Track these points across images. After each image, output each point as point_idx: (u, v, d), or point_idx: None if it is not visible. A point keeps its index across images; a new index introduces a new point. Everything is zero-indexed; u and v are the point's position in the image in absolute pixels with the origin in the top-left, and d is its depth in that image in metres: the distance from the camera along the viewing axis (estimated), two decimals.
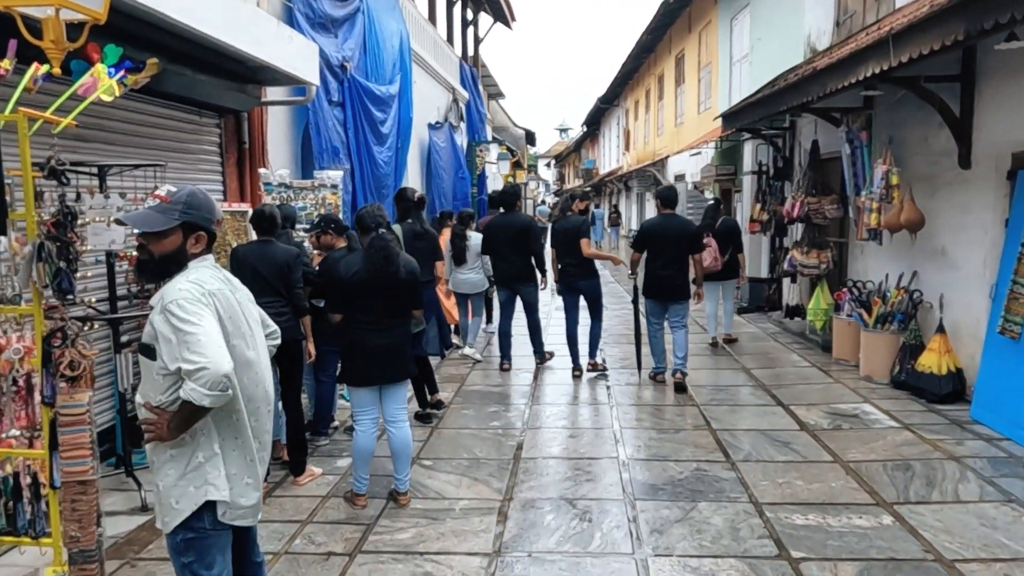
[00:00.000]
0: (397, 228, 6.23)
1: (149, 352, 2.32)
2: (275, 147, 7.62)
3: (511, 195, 7.84)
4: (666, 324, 7.11)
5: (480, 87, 19.97)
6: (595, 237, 22.45)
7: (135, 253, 2.48)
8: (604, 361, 7.74)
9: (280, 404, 5.00)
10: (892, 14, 7.35)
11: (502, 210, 7.73)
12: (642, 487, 4.59)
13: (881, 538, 3.82)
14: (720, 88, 15.18)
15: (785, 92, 7.62)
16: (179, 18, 4.46)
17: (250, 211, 5.62)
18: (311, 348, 5.02)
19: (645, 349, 7.30)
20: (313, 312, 5.05)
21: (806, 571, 3.51)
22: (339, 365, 4.83)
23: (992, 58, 5.75)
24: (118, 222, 2.69)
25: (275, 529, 4.09)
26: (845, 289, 7.83)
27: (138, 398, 2.41)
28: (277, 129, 7.74)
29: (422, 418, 5.99)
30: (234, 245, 5.24)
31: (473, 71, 18.76)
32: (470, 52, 19.64)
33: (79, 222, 4.21)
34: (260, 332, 2.61)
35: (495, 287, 8.03)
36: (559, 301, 7.93)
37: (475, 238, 8.18)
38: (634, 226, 26.02)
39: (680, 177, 18.38)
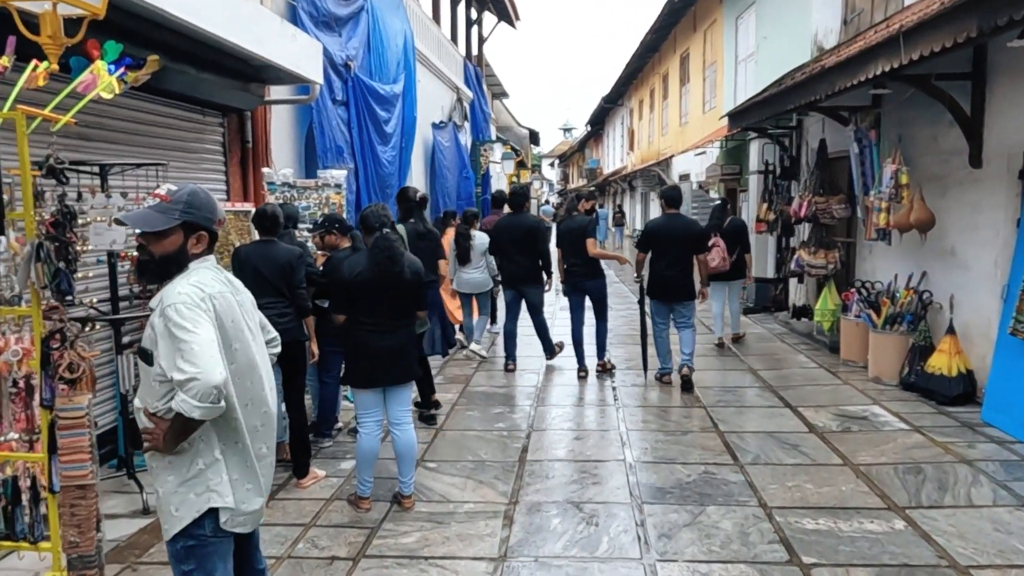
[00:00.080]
0: (401, 228, 6.19)
1: (147, 357, 2.27)
2: (279, 146, 7.57)
3: (520, 196, 7.78)
4: (672, 324, 7.06)
5: (484, 86, 19.93)
6: (599, 237, 22.36)
7: (135, 254, 2.43)
8: (610, 361, 7.70)
9: (283, 406, 4.96)
10: (901, 12, 7.27)
11: (509, 210, 7.69)
12: (649, 490, 4.53)
13: (894, 543, 3.75)
14: (725, 87, 15.11)
15: (793, 91, 7.56)
16: (180, 15, 4.41)
17: (253, 211, 5.57)
18: (315, 348, 4.97)
19: (651, 350, 7.24)
20: (317, 312, 5.00)
21: None
22: (343, 366, 4.78)
23: (1004, 55, 5.67)
24: (118, 222, 2.64)
25: (278, 533, 4.04)
26: (853, 290, 7.76)
27: (136, 402, 2.36)
28: (281, 128, 7.70)
29: (426, 419, 5.94)
30: (237, 245, 5.19)
31: (477, 70, 18.71)
32: (474, 51, 19.59)
33: (79, 222, 4.18)
34: (261, 336, 2.56)
35: (500, 287, 7.98)
36: (564, 301, 7.88)
37: (479, 237, 8.14)
38: (638, 226, 25.93)
39: (685, 177, 18.30)
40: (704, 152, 15.15)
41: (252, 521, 2.43)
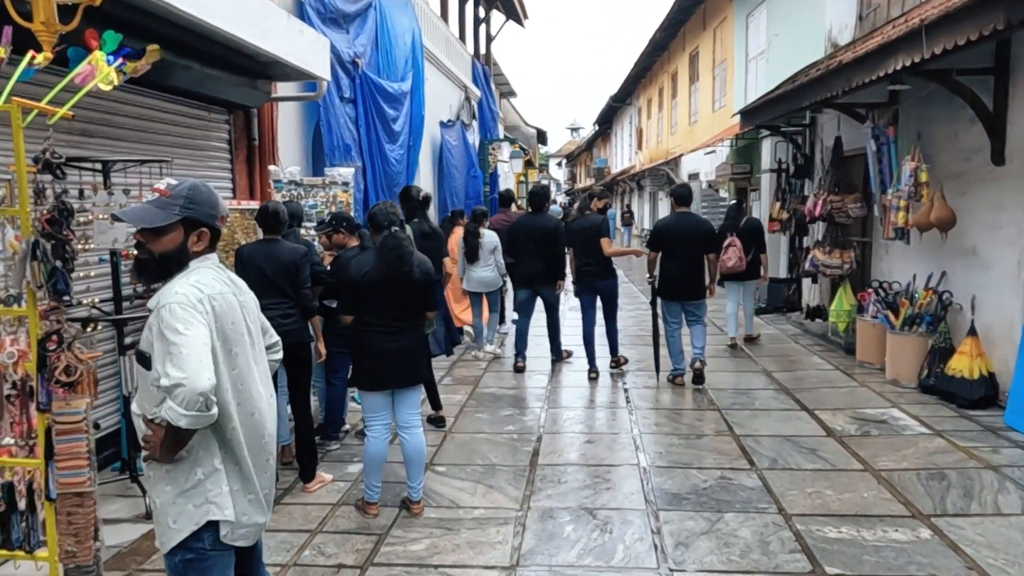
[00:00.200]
0: (409, 228, 6.09)
1: (145, 361, 2.14)
2: (285, 143, 7.47)
3: (540, 196, 7.76)
4: (683, 321, 6.98)
5: (492, 85, 19.80)
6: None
7: (135, 252, 2.31)
8: (624, 356, 7.68)
9: (289, 407, 4.86)
10: (919, 6, 7.11)
11: (530, 210, 7.69)
12: (665, 496, 4.40)
13: (920, 553, 3.62)
14: (735, 85, 14.96)
15: (807, 87, 7.42)
16: (186, 8, 4.31)
17: None
18: (322, 348, 4.86)
19: (663, 351, 7.12)
20: (324, 312, 4.89)
21: None
22: (351, 367, 4.67)
23: None
24: (114, 218, 2.54)
25: (283, 539, 3.92)
26: (870, 290, 7.61)
27: (134, 407, 2.24)
28: (288, 125, 7.60)
29: (434, 421, 5.82)
30: (242, 243, 5.09)
31: (485, 69, 18.58)
32: (482, 50, 19.46)
33: (81, 219, 4.08)
34: (262, 341, 2.44)
35: (513, 286, 7.90)
36: (573, 301, 7.79)
37: (488, 236, 8.05)
38: (647, 225, 25.76)
39: (694, 176, 18.14)
40: (714, 151, 15.00)
41: (254, 534, 2.31)
